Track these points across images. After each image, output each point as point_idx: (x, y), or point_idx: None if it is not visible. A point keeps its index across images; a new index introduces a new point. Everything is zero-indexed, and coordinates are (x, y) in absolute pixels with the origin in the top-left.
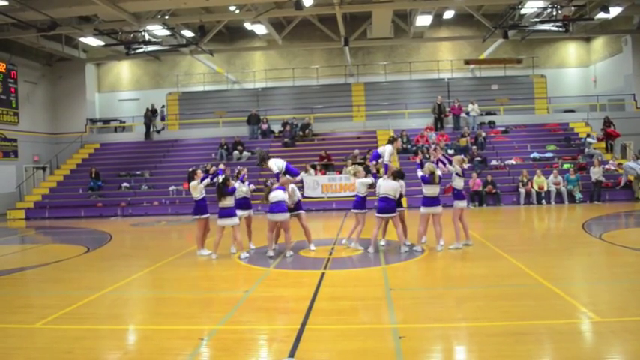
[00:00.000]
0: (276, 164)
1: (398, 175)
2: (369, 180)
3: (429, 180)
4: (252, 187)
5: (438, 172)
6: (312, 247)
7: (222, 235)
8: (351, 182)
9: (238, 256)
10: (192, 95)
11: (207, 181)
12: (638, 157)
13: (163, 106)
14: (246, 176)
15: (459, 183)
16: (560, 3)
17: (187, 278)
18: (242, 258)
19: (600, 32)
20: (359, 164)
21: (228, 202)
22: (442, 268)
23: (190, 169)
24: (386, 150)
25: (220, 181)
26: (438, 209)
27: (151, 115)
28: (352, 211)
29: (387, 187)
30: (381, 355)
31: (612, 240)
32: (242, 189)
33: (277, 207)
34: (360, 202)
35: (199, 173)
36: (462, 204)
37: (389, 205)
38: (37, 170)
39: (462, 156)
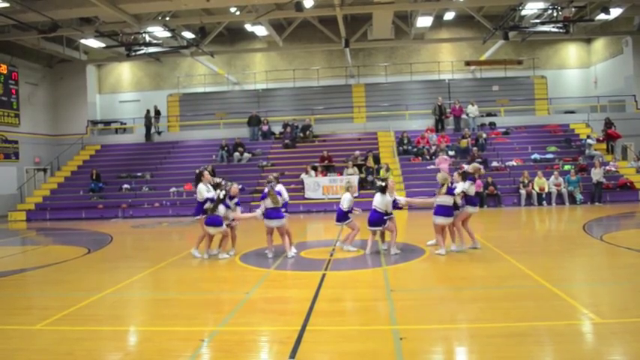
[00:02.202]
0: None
1: (382, 190)
2: (351, 201)
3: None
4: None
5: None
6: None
7: (211, 239)
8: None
9: (217, 257)
10: (192, 97)
11: (212, 198)
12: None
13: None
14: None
15: (471, 191)
16: (561, 4)
17: (188, 280)
18: (220, 257)
19: (601, 33)
20: (359, 166)
21: (220, 211)
22: (443, 269)
23: (197, 170)
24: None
25: (221, 197)
26: (449, 220)
27: (152, 117)
28: (336, 223)
29: (377, 200)
30: (382, 357)
31: (613, 241)
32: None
33: (273, 212)
34: (343, 215)
35: (207, 175)
36: (471, 209)
37: (377, 218)
38: (37, 172)
39: (481, 166)
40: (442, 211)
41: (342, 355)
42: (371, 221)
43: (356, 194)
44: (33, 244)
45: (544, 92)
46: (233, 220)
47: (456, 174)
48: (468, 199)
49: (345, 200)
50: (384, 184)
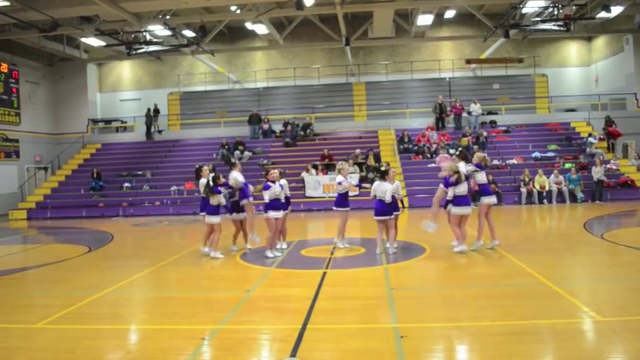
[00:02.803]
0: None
1: (381, 176)
2: (340, 178)
3: (455, 182)
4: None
5: (463, 170)
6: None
7: (222, 231)
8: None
9: (209, 255)
10: (193, 95)
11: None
12: None
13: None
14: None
15: (481, 177)
16: (562, 2)
17: (189, 278)
18: (212, 256)
19: (602, 31)
20: (359, 164)
21: (214, 201)
22: (443, 267)
23: (197, 165)
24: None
25: (211, 179)
26: (468, 210)
27: (152, 115)
28: (334, 208)
29: (378, 189)
30: (383, 355)
31: (614, 239)
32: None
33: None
34: (339, 200)
35: (205, 170)
36: (488, 199)
37: (382, 208)
38: (38, 170)
39: (485, 154)
40: (459, 201)
41: (343, 354)
42: (375, 211)
43: (351, 180)
44: (34, 243)
45: (545, 90)
46: (241, 197)
47: (455, 158)
48: (482, 189)
49: (339, 183)
50: (383, 169)
